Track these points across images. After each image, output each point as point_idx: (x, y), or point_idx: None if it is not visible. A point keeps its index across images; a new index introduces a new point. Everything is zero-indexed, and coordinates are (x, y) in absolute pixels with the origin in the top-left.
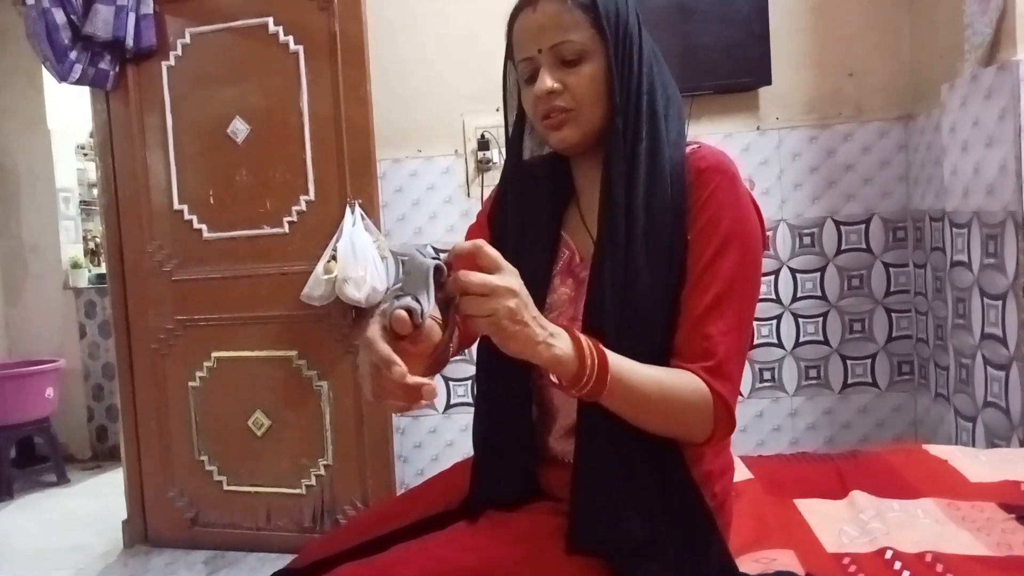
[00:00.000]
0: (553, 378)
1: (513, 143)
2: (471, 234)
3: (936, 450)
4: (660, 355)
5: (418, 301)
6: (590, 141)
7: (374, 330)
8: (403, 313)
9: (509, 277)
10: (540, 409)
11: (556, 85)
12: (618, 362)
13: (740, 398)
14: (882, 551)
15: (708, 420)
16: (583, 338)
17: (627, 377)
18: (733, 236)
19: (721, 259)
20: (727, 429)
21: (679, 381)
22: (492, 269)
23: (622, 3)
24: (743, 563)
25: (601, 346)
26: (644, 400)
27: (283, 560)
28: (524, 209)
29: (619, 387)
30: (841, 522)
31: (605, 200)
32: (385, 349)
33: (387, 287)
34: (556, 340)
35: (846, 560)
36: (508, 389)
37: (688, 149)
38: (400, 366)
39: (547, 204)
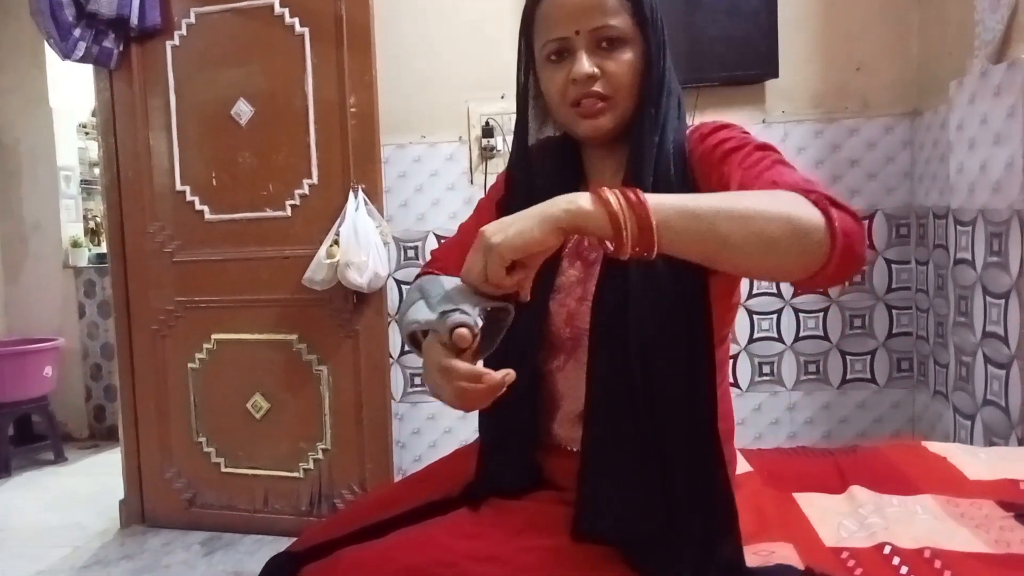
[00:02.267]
0: (609, 245)
1: (521, 127)
2: (466, 230)
3: (935, 447)
4: (686, 334)
5: (466, 313)
6: (621, 130)
7: (438, 351)
8: (464, 330)
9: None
10: (545, 395)
11: (596, 70)
12: (668, 201)
13: (738, 391)
14: (881, 546)
15: (818, 233)
16: (605, 191)
17: (685, 210)
18: (747, 136)
19: (746, 147)
20: (853, 243)
21: (764, 193)
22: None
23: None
24: None
25: (639, 191)
26: (725, 213)
27: (280, 543)
28: (533, 190)
29: (676, 221)
30: (840, 516)
31: (629, 184)
32: (467, 366)
33: (419, 318)
34: (559, 203)
35: (845, 554)
36: (518, 377)
37: (688, 131)
38: (490, 374)
39: (556, 186)
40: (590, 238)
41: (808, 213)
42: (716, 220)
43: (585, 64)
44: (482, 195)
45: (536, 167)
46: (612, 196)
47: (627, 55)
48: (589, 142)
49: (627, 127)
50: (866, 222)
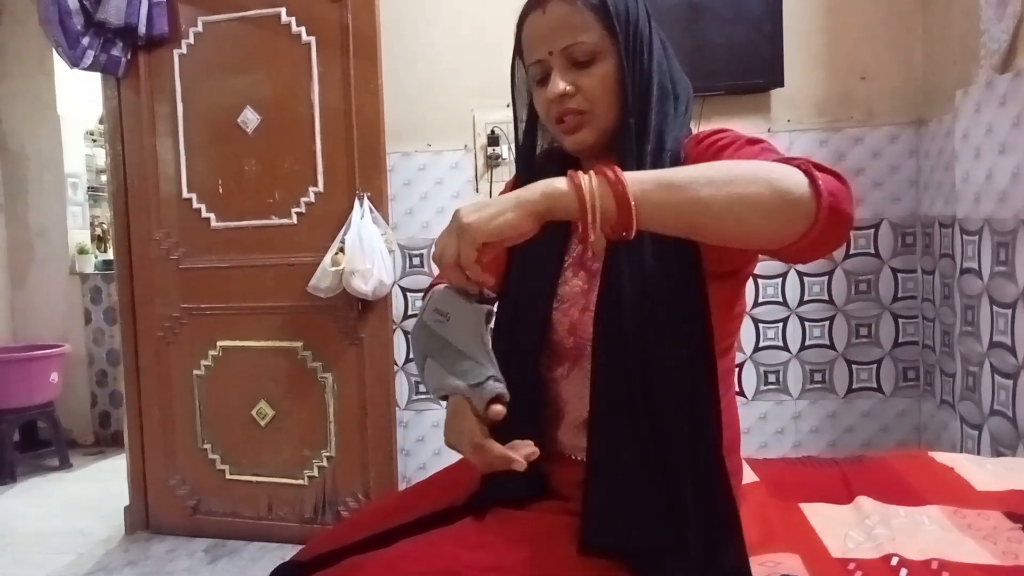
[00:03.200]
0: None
1: (525, 141)
2: None
3: (942, 457)
4: (687, 343)
5: (498, 381)
6: (604, 140)
7: (472, 424)
8: (499, 407)
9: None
10: (549, 403)
11: (569, 88)
12: (645, 176)
13: (744, 400)
14: (888, 557)
15: (802, 197)
16: (578, 175)
17: (659, 179)
18: (741, 137)
19: (743, 142)
20: (834, 210)
21: (745, 161)
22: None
23: (632, 1)
24: None
25: (616, 169)
26: (704, 179)
27: (284, 550)
28: None
29: (655, 194)
30: (846, 527)
31: None
32: (500, 450)
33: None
34: (533, 190)
35: (851, 566)
36: (515, 381)
37: (686, 138)
38: (519, 461)
39: None
40: (576, 230)
41: (789, 173)
42: (696, 187)
43: (558, 84)
44: None
45: (538, 176)
46: (586, 177)
47: (601, 68)
48: (581, 156)
49: (615, 135)
50: (870, 231)
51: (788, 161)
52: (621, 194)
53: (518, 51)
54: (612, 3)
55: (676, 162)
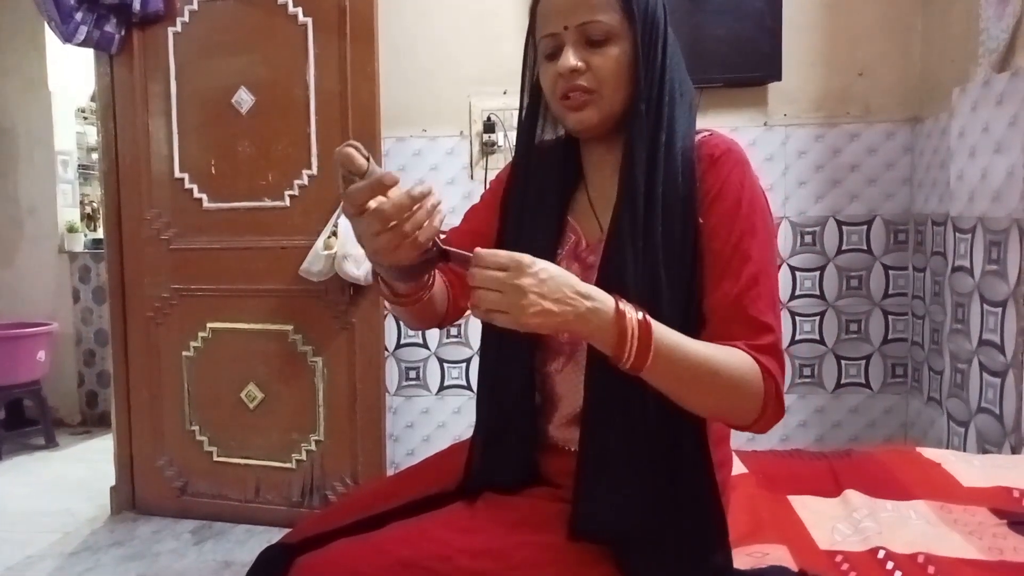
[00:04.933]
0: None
1: (526, 124)
2: (473, 214)
3: (929, 453)
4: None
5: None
6: (607, 125)
7: (342, 187)
8: (350, 149)
9: (520, 258)
10: (543, 396)
11: (580, 64)
12: (664, 335)
13: None
14: (875, 550)
15: (758, 399)
16: (628, 309)
17: (672, 351)
18: (754, 218)
19: (749, 241)
20: (776, 411)
21: (729, 356)
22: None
23: None
24: (736, 556)
25: (648, 318)
26: (691, 374)
27: (271, 533)
28: (530, 191)
29: (663, 358)
30: (834, 520)
31: (624, 184)
32: (362, 182)
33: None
34: (591, 312)
35: (839, 558)
36: (510, 375)
37: (699, 137)
38: (387, 174)
39: (554, 187)
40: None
41: (752, 402)
42: (691, 379)
43: (570, 58)
44: (483, 190)
45: (535, 164)
46: (631, 344)
47: (614, 50)
48: (581, 136)
49: (618, 123)
50: (863, 227)
51: (760, 357)
52: (640, 363)
53: (532, 27)
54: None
55: (687, 163)
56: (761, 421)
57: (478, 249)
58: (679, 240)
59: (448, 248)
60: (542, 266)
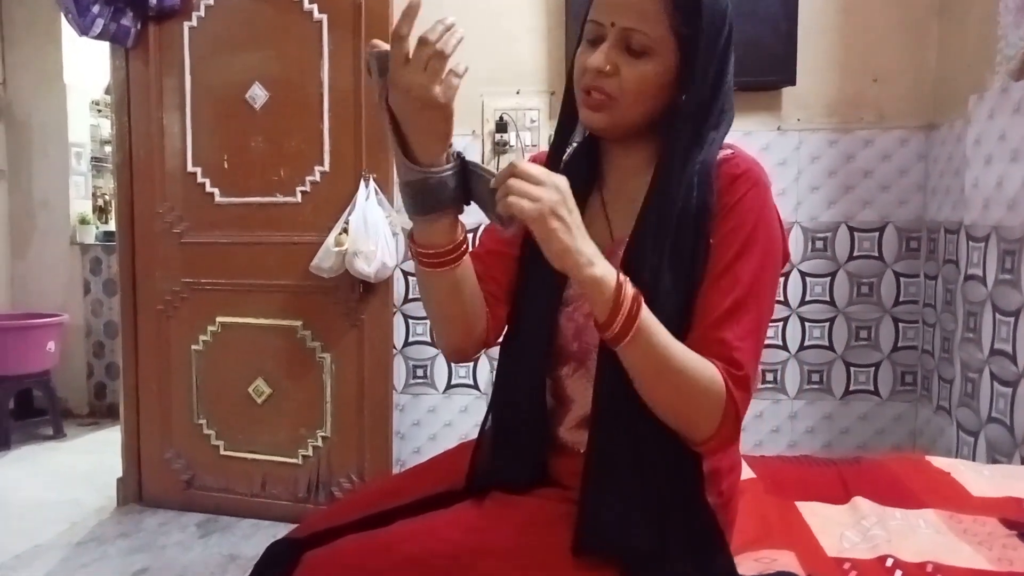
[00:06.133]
0: (593, 315)
1: (563, 112)
2: None
3: (939, 462)
4: None
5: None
6: (618, 132)
7: (377, 71)
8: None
9: (558, 180)
10: (554, 398)
11: (608, 67)
12: (650, 321)
13: None
14: (883, 558)
15: (716, 416)
16: (624, 279)
17: (655, 334)
18: (756, 243)
19: (742, 263)
20: (730, 434)
21: (700, 367)
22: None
23: (718, 16)
24: (743, 562)
25: (641, 299)
26: (663, 365)
27: (277, 528)
28: None
29: (643, 339)
30: (843, 527)
31: (650, 202)
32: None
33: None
34: (598, 262)
35: (847, 565)
36: (523, 376)
37: (722, 154)
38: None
39: (575, 197)
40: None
41: (710, 417)
42: (655, 373)
43: (599, 57)
44: None
45: (561, 161)
46: (623, 313)
47: (648, 65)
48: (606, 138)
49: (639, 130)
50: (875, 234)
51: (729, 383)
52: (629, 322)
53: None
54: (687, 9)
55: (705, 179)
56: (713, 441)
57: (515, 160)
58: (688, 255)
59: (469, 161)
60: (573, 204)
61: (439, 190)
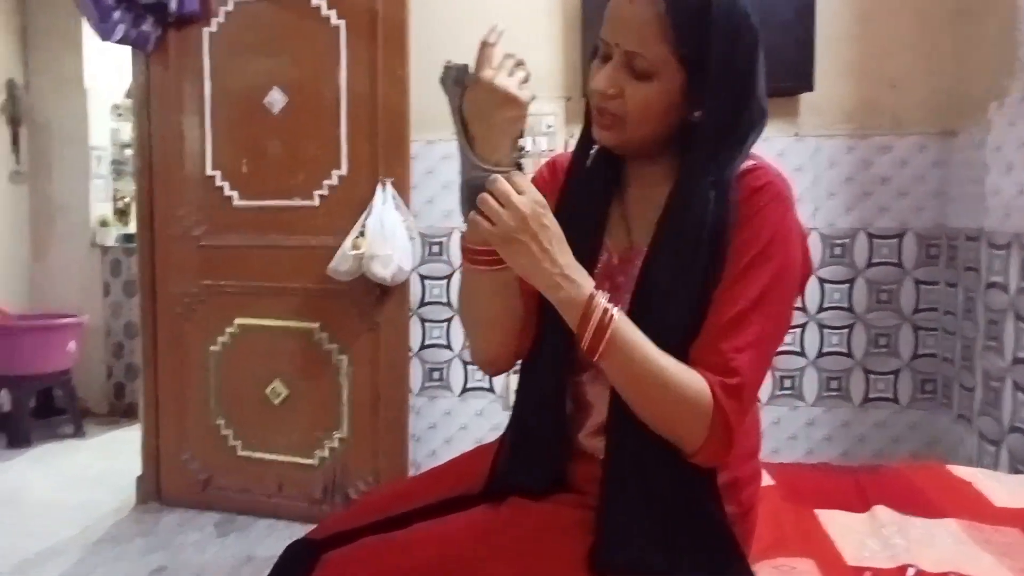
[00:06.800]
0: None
1: (586, 120)
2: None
3: (959, 471)
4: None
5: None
6: (631, 149)
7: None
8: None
9: (530, 202)
10: (575, 405)
11: (611, 90)
12: (626, 334)
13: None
14: (904, 568)
15: (702, 428)
16: (599, 296)
17: (634, 347)
18: (769, 256)
19: (752, 276)
20: (721, 446)
21: (684, 378)
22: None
23: (731, 32)
24: (761, 570)
25: (616, 311)
26: (642, 377)
27: (293, 528)
28: (574, 206)
29: (618, 353)
30: (862, 535)
31: (667, 215)
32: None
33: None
34: (564, 282)
35: (867, 574)
36: (546, 380)
37: (745, 166)
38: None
39: (595, 207)
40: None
41: (695, 429)
42: (632, 386)
43: (602, 80)
44: None
45: (584, 174)
46: (592, 325)
47: (652, 87)
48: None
49: (656, 144)
50: (894, 241)
51: (729, 390)
52: (594, 347)
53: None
54: (716, 32)
55: (723, 189)
56: (703, 452)
57: (495, 177)
58: (700, 270)
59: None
60: (545, 223)
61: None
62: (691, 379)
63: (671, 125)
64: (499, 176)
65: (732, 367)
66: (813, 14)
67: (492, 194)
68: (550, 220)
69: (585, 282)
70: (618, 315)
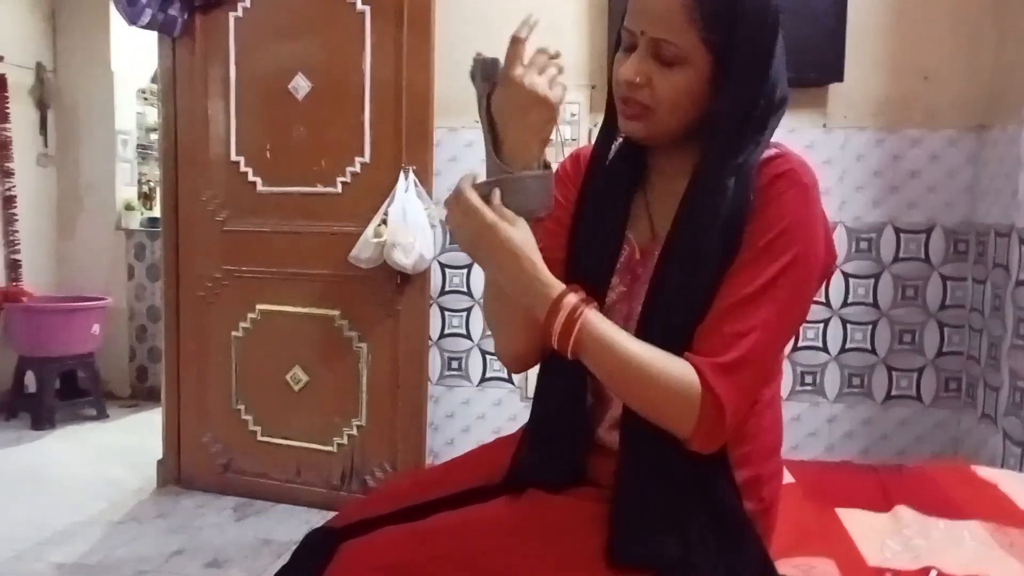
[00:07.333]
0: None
1: (608, 111)
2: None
3: (984, 472)
4: None
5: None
6: (658, 140)
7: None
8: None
9: (501, 221)
10: (594, 398)
11: (639, 79)
12: (597, 329)
13: None
14: (926, 570)
15: (690, 414)
16: (570, 297)
17: (602, 345)
18: (787, 242)
19: (764, 260)
20: (715, 429)
21: (665, 366)
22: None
23: (756, 20)
24: (781, 567)
25: (586, 311)
26: (619, 370)
27: (310, 514)
28: (596, 200)
29: (590, 348)
30: (884, 535)
31: (685, 207)
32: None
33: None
34: (529, 290)
35: (888, 575)
36: (565, 377)
37: (767, 154)
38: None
39: (618, 200)
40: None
41: (681, 416)
42: (612, 379)
43: (629, 69)
44: None
45: (606, 167)
46: (559, 324)
47: (680, 75)
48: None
49: (682, 134)
50: (922, 236)
51: (720, 370)
52: (564, 344)
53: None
54: (724, 21)
55: (744, 178)
56: (696, 437)
57: (464, 177)
58: (718, 258)
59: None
60: (503, 234)
61: (524, 190)
62: (674, 365)
63: (698, 115)
64: (466, 186)
65: (728, 350)
66: (845, 4)
67: (458, 203)
68: (515, 231)
69: (553, 284)
70: (590, 313)
